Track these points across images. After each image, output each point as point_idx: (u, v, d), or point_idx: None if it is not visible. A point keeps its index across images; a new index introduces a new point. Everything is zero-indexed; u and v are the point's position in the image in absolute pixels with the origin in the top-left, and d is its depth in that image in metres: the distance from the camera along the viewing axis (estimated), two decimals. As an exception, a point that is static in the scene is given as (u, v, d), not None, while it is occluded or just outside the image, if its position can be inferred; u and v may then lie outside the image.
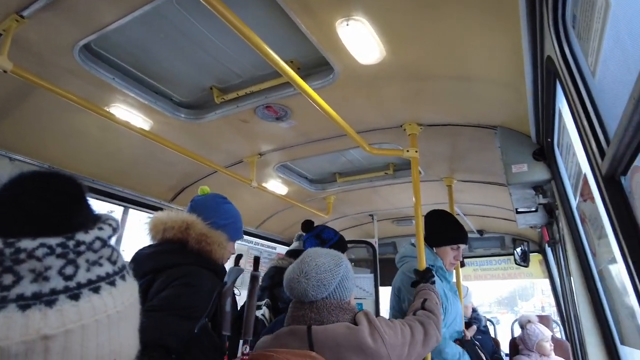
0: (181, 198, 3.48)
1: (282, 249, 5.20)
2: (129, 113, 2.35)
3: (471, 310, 4.02)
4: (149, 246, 1.65)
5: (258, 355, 1.12)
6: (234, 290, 1.41)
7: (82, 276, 0.51)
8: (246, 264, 3.95)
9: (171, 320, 1.37)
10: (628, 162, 0.95)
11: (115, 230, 0.57)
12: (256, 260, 1.38)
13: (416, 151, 2.53)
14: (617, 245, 1.11)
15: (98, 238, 0.54)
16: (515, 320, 4.39)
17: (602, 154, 1.08)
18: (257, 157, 3.06)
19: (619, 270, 1.43)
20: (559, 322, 4.50)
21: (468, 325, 3.57)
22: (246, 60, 2.12)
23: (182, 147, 2.57)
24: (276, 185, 3.66)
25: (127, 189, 3.17)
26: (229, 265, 1.60)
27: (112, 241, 0.58)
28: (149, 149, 2.72)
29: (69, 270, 0.50)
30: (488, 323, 4.69)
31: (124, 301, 0.56)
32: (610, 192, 1.09)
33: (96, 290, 0.52)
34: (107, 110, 2.19)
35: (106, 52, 2.01)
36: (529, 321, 3.83)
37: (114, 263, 0.57)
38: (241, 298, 1.93)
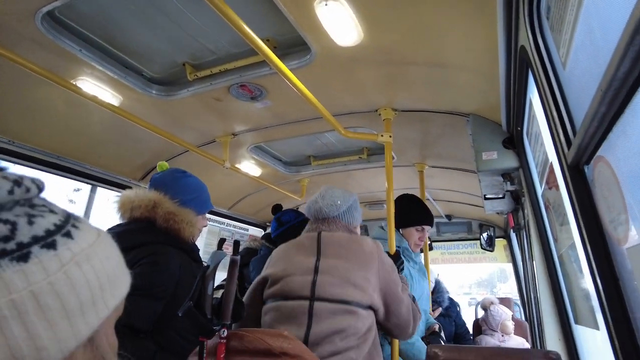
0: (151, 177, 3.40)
1: (255, 231, 5.19)
2: (96, 87, 2.25)
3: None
4: (118, 225, 1.62)
5: (233, 334, 1.13)
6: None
7: None
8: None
9: (136, 299, 1.36)
10: (592, 152, 0.99)
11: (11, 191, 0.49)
12: (236, 245, 1.37)
13: (390, 136, 2.55)
14: (578, 230, 1.17)
15: None
16: (478, 303, 4.57)
17: (569, 143, 1.12)
18: (231, 137, 3.01)
19: (577, 255, 1.51)
20: (520, 304, 4.72)
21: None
22: (221, 37, 2.06)
23: (152, 124, 2.50)
24: (249, 167, 3.62)
25: (95, 167, 3.06)
26: (201, 245, 1.60)
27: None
28: (118, 126, 2.63)
29: None
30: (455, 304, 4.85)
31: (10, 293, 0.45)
32: (574, 181, 1.13)
33: None
34: (74, 83, 2.09)
35: (72, 21, 1.90)
36: (492, 303, 4.01)
37: (3, 239, 0.46)
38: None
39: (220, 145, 3.07)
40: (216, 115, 2.75)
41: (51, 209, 0.53)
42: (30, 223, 0.48)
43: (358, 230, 1.93)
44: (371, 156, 3.56)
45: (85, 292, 0.49)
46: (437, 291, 3.98)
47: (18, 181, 0.49)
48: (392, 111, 2.59)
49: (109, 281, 0.54)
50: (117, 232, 1.53)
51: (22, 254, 0.45)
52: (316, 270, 1.61)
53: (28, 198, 0.51)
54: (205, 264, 1.22)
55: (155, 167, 3.34)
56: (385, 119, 2.59)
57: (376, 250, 1.70)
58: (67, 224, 0.53)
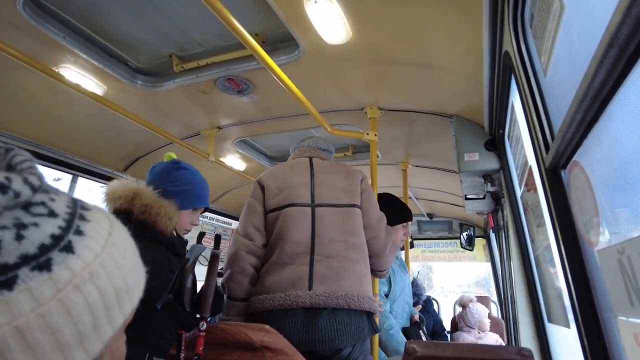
0: (134, 168, 3.35)
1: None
2: (80, 76, 2.21)
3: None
4: None
5: (213, 327, 1.13)
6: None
7: None
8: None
9: None
10: (568, 157, 1.03)
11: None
12: (217, 238, 1.36)
13: (375, 135, 2.58)
14: (553, 232, 1.21)
15: None
16: (456, 302, 4.65)
17: (547, 148, 1.16)
18: (216, 130, 2.99)
19: (552, 256, 1.56)
20: (497, 302, 4.84)
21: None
22: (209, 29, 2.05)
23: (137, 115, 2.46)
24: (234, 161, 3.61)
25: (77, 156, 3.01)
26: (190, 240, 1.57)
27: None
28: (102, 116, 2.58)
29: None
30: (433, 301, 4.92)
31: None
32: (552, 184, 1.17)
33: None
34: (56, 70, 2.05)
35: (55, 7, 1.86)
36: (471, 300, 4.09)
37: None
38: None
39: (205, 139, 3.05)
40: (202, 108, 2.73)
41: (52, 209, 0.44)
42: (19, 238, 0.40)
43: None
44: (356, 154, 3.59)
45: (86, 319, 0.42)
46: (415, 286, 4.03)
47: (4, 186, 0.41)
48: (378, 110, 2.61)
49: (117, 296, 0.46)
50: None
51: (6, 279, 0.38)
52: (312, 184, 1.92)
53: (20, 202, 0.42)
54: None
55: (139, 158, 3.31)
56: (371, 117, 2.61)
57: (359, 170, 2.05)
58: (69, 230, 0.44)
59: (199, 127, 3.01)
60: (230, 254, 1.87)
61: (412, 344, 1.00)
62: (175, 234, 1.66)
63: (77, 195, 3.16)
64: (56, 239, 0.42)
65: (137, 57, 2.27)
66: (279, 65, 1.89)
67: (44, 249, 0.41)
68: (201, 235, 1.41)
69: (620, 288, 0.79)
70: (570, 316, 1.36)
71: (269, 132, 3.08)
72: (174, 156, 1.81)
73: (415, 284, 4.02)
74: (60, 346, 0.40)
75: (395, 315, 2.56)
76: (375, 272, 2.03)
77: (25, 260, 0.39)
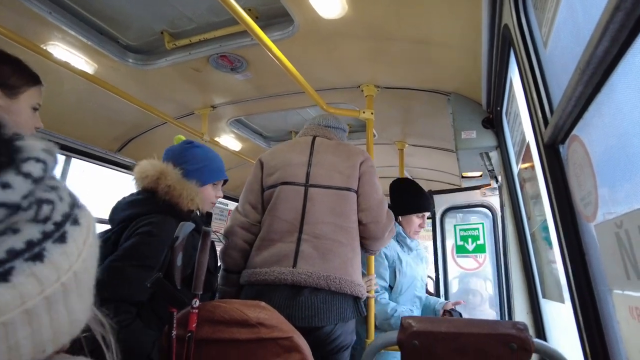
0: (128, 149, 3.31)
1: (235, 206, 5.16)
2: (69, 53, 2.15)
3: None
4: (130, 194, 1.64)
5: (207, 305, 1.13)
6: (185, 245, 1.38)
7: None
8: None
9: (131, 271, 1.36)
10: (567, 131, 1.01)
11: (46, 170, 0.43)
12: (208, 216, 1.39)
13: (372, 113, 2.55)
14: (550, 208, 1.20)
15: (2, 206, 0.38)
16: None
17: (546, 122, 1.14)
18: (210, 109, 2.95)
19: (548, 232, 1.56)
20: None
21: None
22: (200, 5, 1.99)
23: (129, 94, 2.41)
24: (229, 141, 3.57)
25: (69, 137, 2.97)
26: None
27: (39, 190, 0.42)
28: (93, 95, 2.54)
29: None
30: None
31: (60, 276, 0.43)
32: (549, 159, 1.16)
33: (4, 276, 0.38)
34: (44, 48, 1.99)
35: (41, -19, 1.80)
36: None
37: (43, 221, 0.42)
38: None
39: (199, 118, 3.01)
40: (195, 87, 2.68)
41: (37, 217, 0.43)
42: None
43: None
44: (353, 133, 3.56)
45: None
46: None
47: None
48: (375, 88, 2.57)
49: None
50: (125, 202, 1.58)
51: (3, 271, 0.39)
52: (309, 164, 1.94)
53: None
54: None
55: (133, 138, 3.27)
56: (368, 95, 2.57)
57: (362, 152, 2.03)
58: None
59: (192, 106, 2.97)
60: (226, 228, 1.95)
61: (409, 319, 1.01)
62: (198, 213, 1.70)
63: (70, 176, 3.13)
64: (31, 246, 0.42)
65: (127, 34, 2.21)
66: (273, 42, 1.84)
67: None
68: (209, 215, 1.44)
69: (617, 262, 0.79)
70: (565, 292, 1.37)
71: (263, 111, 3.04)
72: (183, 138, 1.83)
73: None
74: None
75: None
76: (368, 251, 2.07)
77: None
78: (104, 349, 0.51)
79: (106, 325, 0.51)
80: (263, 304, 1.14)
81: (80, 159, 3.13)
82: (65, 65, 2.03)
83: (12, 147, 0.41)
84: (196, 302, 1.13)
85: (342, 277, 1.73)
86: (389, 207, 2.15)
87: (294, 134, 3.67)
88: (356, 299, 1.82)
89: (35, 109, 1.37)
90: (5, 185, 0.38)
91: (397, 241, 2.51)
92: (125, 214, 1.51)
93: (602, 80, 0.73)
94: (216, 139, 3.37)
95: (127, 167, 3.35)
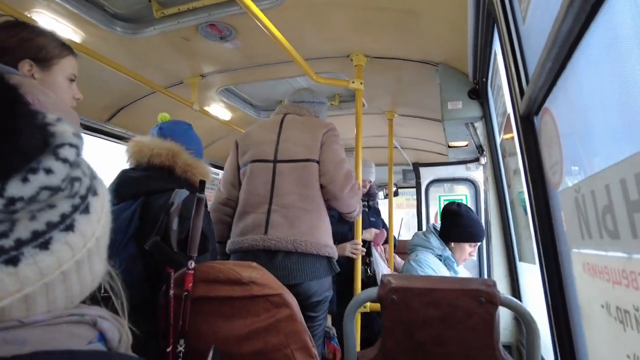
0: (118, 119, 3.31)
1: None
2: (55, 21, 2.12)
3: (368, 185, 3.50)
4: (135, 169, 1.68)
5: (202, 266, 1.21)
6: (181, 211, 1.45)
7: (22, 231, 0.42)
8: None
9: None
10: (540, 104, 1.07)
11: (78, 154, 0.47)
12: (201, 184, 1.44)
13: (361, 83, 2.57)
14: (524, 176, 1.28)
15: (44, 188, 0.42)
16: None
17: (522, 94, 1.20)
18: (199, 78, 2.95)
19: (524, 199, 1.65)
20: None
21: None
22: (189, -29, 1.97)
23: (118, 63, 2.40)
24: (219, 110, 3.58)
25: (57, 106, 2.95)
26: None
27: (72, 173, 0.47)
28: (81, 65, 2.48)
29: None
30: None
31: (86, 242, 0.49)
32: (525, 130, 1.23)
33: (44, 245, 0.44)
34: (28, 15, 1.97)
35: (23, -55, 1.76)
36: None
37: (73, 196, 0.47)
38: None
39: (188, 87, 3.00)
40: (184, 56, 2.67)
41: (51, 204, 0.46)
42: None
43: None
44: (342, 103, 3.58)
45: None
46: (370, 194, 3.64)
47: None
48: (364, 57, 2.59)
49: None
50: (138, 177, 1.61)
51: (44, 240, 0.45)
52: (278, 141, 2.15)
53: None
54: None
55: (122, 108, 3.26)
56: (357, 65, 2.59)
57: (327, 124, 2.21)
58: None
59: (182, 76, 2.96)
60: (210, 206, 2.15)
61: (387, 277, 1.10)
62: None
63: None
64: (64, 218, 0.48)
65: (114, 2, 2.17)
66: (261, 10, 1.85)
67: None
68: (202, 183, 1.50)
69: (575, 224, 0.87)
70: (536, 253, 1.48)
71: (253, 80, 3.04)
72: (169, 117, 1.91)
73: (372, 194, 3.56)
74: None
75: None
76: (344, 216, 2.30)
77: (34, 236, 0.44)
78: (113, 297, 0.58)
79: (114, 276, 0.58)
80: (255, 264, 1.22)
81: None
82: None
83: (47, 132, 0.46)
84: (192, 264, 1.21)
85: (307, 240, 1.97)
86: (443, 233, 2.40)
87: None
88: (329, 259, 2.07)
89: (71, 80, 1.39)
90: (49, 171, 0.43)
91: (445, 264, 2.59)
92: (145, 188, 1.57)
93: (567, 57, 0.79)
94: (206, 108, 3.38)
95: (118, 137, 3.37)
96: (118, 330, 0.54)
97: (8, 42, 1.22)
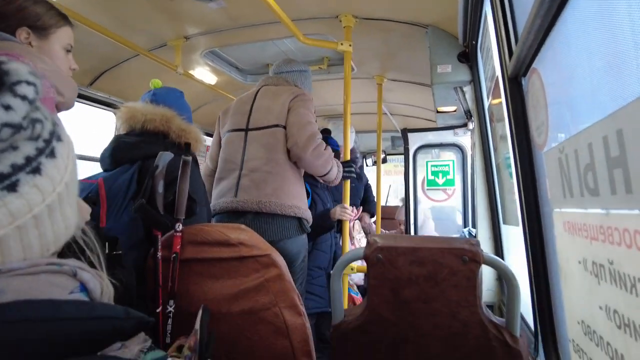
0: (100, 83, 3.21)
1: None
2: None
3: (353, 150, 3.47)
4: (129, 134, 1.69)
5: (190, 228, 1.21)
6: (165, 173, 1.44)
7: None
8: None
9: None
10: (528, 64, 1.07)
11: (37, 92, 0.47)
12: (187, 146, 1.44)
13: (350, 45, 2.52)
14: (510, 138, 1.29)
15: (5, 125, 0.42)
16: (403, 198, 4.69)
17: (511, 55, 1.19)
18: (183, 40, 2.85)
19: (510, 164, 1.67)
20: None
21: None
22: None
23: (98, 24, 2.30)
24: (204, 74, 3.49)
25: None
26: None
27: (32, 113, 0.47)
28: None
29: None
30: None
31: (55, 187, 0.49)
32: (512, 91, 1.23)
33: (11, 187, 0.44)
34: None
35: None
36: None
37: (36, 139, 0.47)
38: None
39: (172, 50, 2.91)
40: (167, 16, 2.56)
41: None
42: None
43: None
44: (331, 67, 3.51)
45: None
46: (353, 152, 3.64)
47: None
48: (353, 18, 2.52)
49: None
50: (133, 142, 1.62)
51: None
52: (250, 111, 2.33)
53: None
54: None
55: (105, 71, 3.16)
56: (346, 26, 2.53)
57: (295, 90, 2.35)
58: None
59: (165, 38, 2.85)
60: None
61: (373, 236, 1.12)
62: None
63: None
64: (29, 161, 0.47)
65: (90, -44, 2.07)
66: (246, -33, 1.77)
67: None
68: (188, 145, 1.49)
69: (558, 183, 0.89)
70: (520, 215, 1.51)
71: (239, 42, 2.95)
72: (160, 83, 1.93)
73: (354, 160, 3.41)
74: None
75: None
76: (322, 180, 2.41)
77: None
78: (88, 252, 0.58)
79: (87, 231, 0.58)
80: (243, 226, 1.23)
81: (50, 92, 3.02)
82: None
83: (1, 71, 0.44)
84: (179, 226, 1.21)
85: (272, 200, 2.13)
86: None
87: (271, 66, 3.59)
88: (300, 219, 2.22)
89: (67, 50, 1.41)
90: (8, 107, 0.42)
91: None
92: (142, 153, 1.59)
93: (556, 14, 0.78)
94: (190, 72, 3.29)
95: (100, 102, 3.28)
96: (99, 282, 0.54)
97: (5, 9, 1.21)
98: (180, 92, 1.92)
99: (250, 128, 2.29)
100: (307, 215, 2.27)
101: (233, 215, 2.18)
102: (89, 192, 1.38)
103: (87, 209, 0.65)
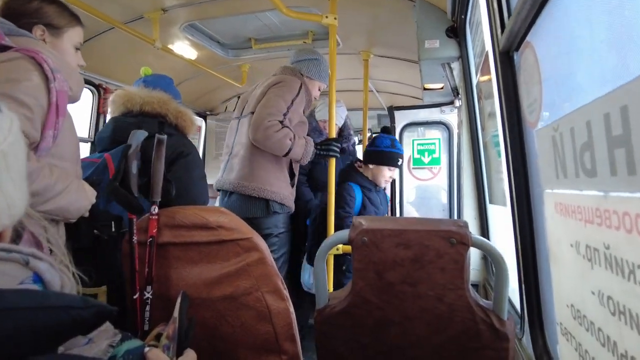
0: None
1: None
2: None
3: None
4: (127, 115, 1.78)
5: (166, 211, 1.15)
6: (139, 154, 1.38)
7: None
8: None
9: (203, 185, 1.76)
10: (522, 38, 1.01)
11: None
12: (161, 125, 1.38)
13: (335, 18, 2.42)
14: (500, 115, 1.25)
15: None
16: None
17: (503, 28, 1.13)
18: (161, 12, 2.71)
19: (498, 142, 1.64)
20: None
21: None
22: None
23: (66, -8, 2.16)
24: (184, 48, 3.35)
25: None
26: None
27: None
28: None
29: None
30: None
31: None
32: (503, 67, 1.18)
33: None
34: None
35: None
36: None
37: None
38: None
39: (149, 23, 2.76)
40: (142, -14, 2.43)
41: None
42: None
43: (313, 85, 2.66)
44: (316, 41, 3.40)
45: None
46: (345, 129, 3.51)
47: None
48: (338, -11, 2.42)
49: None
50: (132, 123, 1.68)
51: None
52: (246, 100, 2.59)
53: None
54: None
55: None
56: (331, -2, 2.42)
57: (277, 78, 2.50)
58: None
59: (141, 9, 2.71)
60: None
61: (359, 219, 1.08)
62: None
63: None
64: None
65: None
66: None
67: None
68: (161, 123, 1.46)
69: (551, 163, 0.85)
70: (508, 195, 1.49)
71: (219, 15, 2.82)
72: (151, 70, 2.10)
73: (346, 137, 3.45)
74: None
75: None
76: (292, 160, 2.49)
77: None
78: (51, 246, 0.53)
79: (47, 227, 0.53)
80: (222, 208, 1.18)
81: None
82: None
83: None
84: (155, 209, 1.15)
85: (243, 183, 2.36)
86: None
87: (254, 41, 3.47)
88: (267, 201, 2.38)
89: (77, 49, 1.52)
90: None
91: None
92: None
93: (556, -19, 0.72)
94: (169, 46, 3.15)
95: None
96: (60, 275, 0.49)
97: (24, 8, 1.37)
98: (170, 79, 2.08)
99: (242, 116, 2.55)
100: (278, 197, 2.39)
101: (223, 193, 2.52)
102: (94, 169, 1.43)
103: (92, 192, 0.61)
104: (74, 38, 1.50)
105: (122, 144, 1.54)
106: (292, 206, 2.56)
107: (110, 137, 1.67)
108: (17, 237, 0.51)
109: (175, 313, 0.93)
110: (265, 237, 2.25)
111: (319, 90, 2.74)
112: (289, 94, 2.40)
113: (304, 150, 2.38)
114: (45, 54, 1.19)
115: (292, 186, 2.53)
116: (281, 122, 2.30)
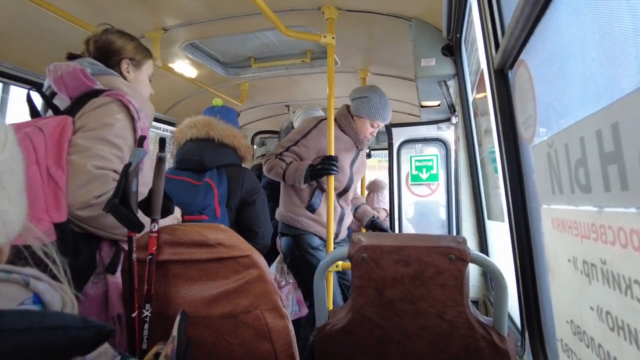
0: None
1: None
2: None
3: None
4: (208, 141, 2.15)
5: (166, 228, 1.16)
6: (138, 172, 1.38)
7: None
8: (154, 147, 3.80)
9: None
10: (516, 56, 1.04)
11: None
12: (162, 142, 1.38)
13: (333, 37, 2.47)
14: (496, 131, 1.27)
15: None
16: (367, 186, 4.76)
17: (497, 47, 1.16)
18: (162, 32, 2.76)
19: (494, 158, 1.66)
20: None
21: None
22: None
23: (72, 15, 2.20)
24: (184, 67, 3.39)
25: (4, 62, 2.71)
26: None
27: None
28: (32, 16, 2.29)
29: None
30: None
31: None
32: (498, 84, 1.20)
33: None
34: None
35: None
36: (382, 188, 4.39)
37: None
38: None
39: (150, 42, 2.81)
40: (144, 6, 2.47)
41: None
42: None
43: (362, 122, 2.75)
44: (315, 60, 3.45)
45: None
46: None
47: None
48: (336, 10, 2.47)
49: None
50: (217, 150, 2.14)
51: None
52: None
53: None
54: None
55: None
56: (329, 18, 2.47)
57: (303, 124, 2.82)
58: None
59: (142, 29, 2.75)
60: None
61: (358, 235, 1.08)
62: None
63: (11, 105, 2.91)
64: None
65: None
66: (225, -45, 1.70)
67: None
68: (162, 140, 1.45)
69: (547, 179, 0.86)
70: (506, 211, 1.49)
71: (219, 34, 2.87)
72: (221, 102, 2.48)
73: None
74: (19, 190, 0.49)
75: None
76: None
77: None
78: (49, 263, 0.53)
79: (47, 243, 0.53)
80: (221, 225, 1.18)
81: (19, 86, 2.89)
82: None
83: None
84: (155, 226, 1.15)
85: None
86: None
87: (253, 59, 3.52)
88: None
89: (150, 80, 1.78)
90: None
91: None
92: (222, 163, 2.11)
93: (547, 2, 0.75)
94: (170, 64, 3.19)
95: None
96: (60, 295, 0.49)
97: (112, 47, 1.66)
98: (236, 112, 2.49)
99: None
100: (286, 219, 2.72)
101: None
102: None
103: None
104: (149, 70, 1.75)
105: (209, 168, 2.05)
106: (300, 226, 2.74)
107: (200, 159, 2.06)
108: (18, 253, 0.51)
109: (174, 332, 0.92)
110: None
111: (373, 126, 2.79)
112: (297, 134, 2.70)
113: (294, 174, 2.56)
114: (129, 95, 1.45)
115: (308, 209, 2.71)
116: (278, 154, 2.62)
